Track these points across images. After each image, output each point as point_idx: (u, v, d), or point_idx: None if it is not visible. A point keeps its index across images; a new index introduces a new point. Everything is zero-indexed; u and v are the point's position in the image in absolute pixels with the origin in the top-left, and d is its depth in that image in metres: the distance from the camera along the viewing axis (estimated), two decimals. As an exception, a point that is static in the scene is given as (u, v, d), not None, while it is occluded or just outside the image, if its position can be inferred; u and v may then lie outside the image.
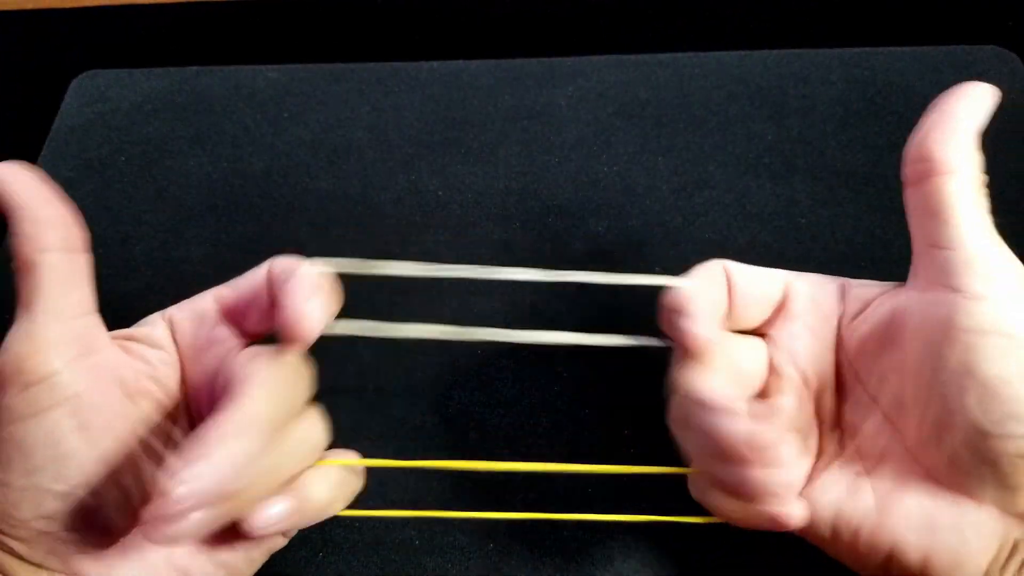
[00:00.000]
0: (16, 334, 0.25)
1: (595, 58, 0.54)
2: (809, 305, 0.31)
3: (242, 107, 0.52)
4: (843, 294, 0.31)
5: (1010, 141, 0.48)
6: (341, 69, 0.54)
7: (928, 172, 0.28)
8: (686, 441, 0.29)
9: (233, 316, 0.30)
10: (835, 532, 0.28)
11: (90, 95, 0.53)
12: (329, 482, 0.29)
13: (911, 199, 0.28)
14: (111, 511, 0.26)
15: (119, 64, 0.55)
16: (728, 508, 0.28)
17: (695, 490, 0.30)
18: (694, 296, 0.28)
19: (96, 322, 0.28)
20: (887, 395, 0.28)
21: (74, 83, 0.54)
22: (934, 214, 0.27)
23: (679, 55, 0.54)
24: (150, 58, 0.56)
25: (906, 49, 0.53)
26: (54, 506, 0.25)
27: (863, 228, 0.45)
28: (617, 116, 0.51)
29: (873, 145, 0.48)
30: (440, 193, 0.48)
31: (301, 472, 0.28)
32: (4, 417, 0.25)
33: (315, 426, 0.29)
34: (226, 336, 0.29)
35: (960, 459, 0.25)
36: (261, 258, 0.44)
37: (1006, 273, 0.25)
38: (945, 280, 0.26)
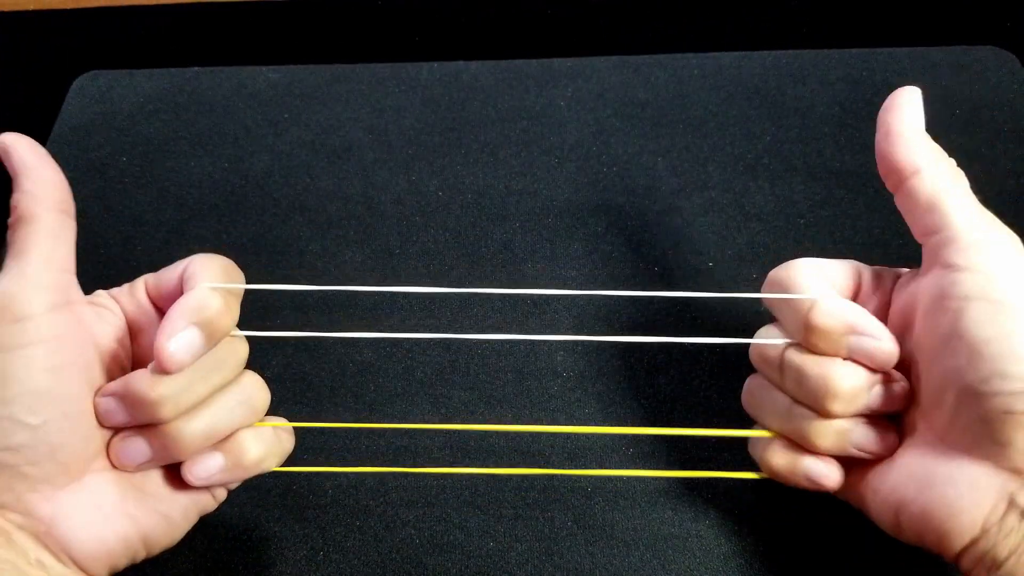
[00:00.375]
0: (7, 275, 0.28)
1: (594, 59, 0.54)
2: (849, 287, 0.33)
3: (243, 108, 0.52)
4: (859, 276, 0.33)
5: (1009, 140, 0.48)
6: (342, 70, 0.54)
7: (900, 179, 0.31)
8: (765, 388, 0.33)
9: (159, 304, 0.32)
10: (863, 495, 0.31)
11: (91, 96, 0.53)
12: (262, 441, 0.31)
13: (899, 205, 0.31)
14: (71, 452, 0.28)
15: (120, 65, 0.55)
16: (781, 463, 0.31)
17: (755, 449, 0.33)
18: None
19: (75, 282, 0.30)
20: (912, 375, 0.31)
21: (75, 84, 0.54)
22: (917, 209, 0.30)
23: (678, 56, 0.54)
24: (151, 59, 0.56)
25: (904, 49, 0.53)
26: (21, 438, 0.26)
27: (861, 228, 0.45)
28: (616, 117, 0.51)
29: (871, 145, 0.48)
30: (440, 193, 0.48)
31: (241, 426, 0.31)
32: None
33: (256, 384, 0.31)
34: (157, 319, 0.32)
35: (956, 418, 0.27)
36: (262, 258, 0.45)
37: (990, 244, 0.28)
38: (938, 260, 0.29)
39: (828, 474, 0.31)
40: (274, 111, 0.52)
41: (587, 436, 0.39)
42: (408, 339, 0.40)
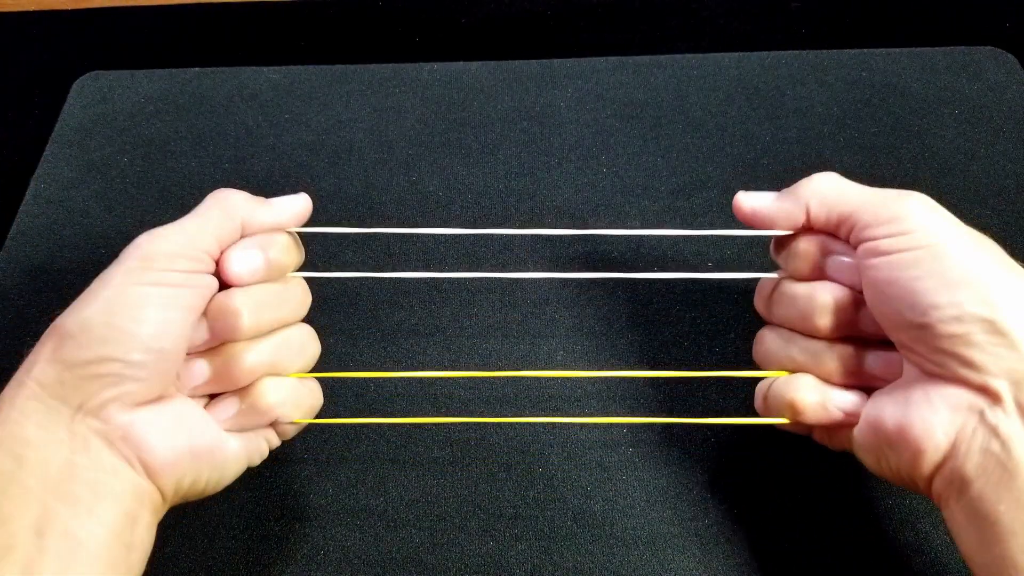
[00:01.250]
0: (183, 230, 0.32)
1: (594, 60, 0.54)
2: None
3: (244, 108, 0.52)
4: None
5: (1009, 140, 0.49)
6: (342, 70, 0.54)
7: (799, 226, 0.33)
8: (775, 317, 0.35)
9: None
10: (856, 434, 0.32)
11: (92, 96, 0.53)
12: (280, 388, 0.33)
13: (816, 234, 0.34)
14: (166, 378, 0.31)
15: (121, 65, 0.55)
16: (813, 399, 0.32)
17: (762, 396, 0.34)
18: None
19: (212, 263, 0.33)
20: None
21: (76, 84, 0.54)
22: (830, 228, 0.33)
23: (677, 57, 0.54)
24: (152, 59, 0.57)
25: (903, 50, 0.53)
26: (139, 357, 0.29)
27: (860, 228, 0.45)
28: (616, 117, 0.51)
29: (870, 146, 0.49)
30: (440, 193, 0.48)
31: (290, 369, 0.34)
32: (134, 277, 0.30)
33: (310, 335, 0.35)
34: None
35: (918, 351, 0.30)
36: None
37: (889, 210, 0.30)
38: (860, 239, 0.31)
39: (853, 403, 0.32)
40: (275, 111, 0.52)
41: (587, 433, 0.39)
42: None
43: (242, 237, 0.33)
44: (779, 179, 0.47)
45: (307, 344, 0.34)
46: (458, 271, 0.45)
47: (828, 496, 0.37)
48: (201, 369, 0.32)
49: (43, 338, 0.30)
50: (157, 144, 0.51)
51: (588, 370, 0.41)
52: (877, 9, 0.57)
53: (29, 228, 0.47)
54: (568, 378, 0.41)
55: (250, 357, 0.32)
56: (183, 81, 0.54)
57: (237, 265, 0.32)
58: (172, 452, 0.30)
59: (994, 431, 0.27)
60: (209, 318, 0.32)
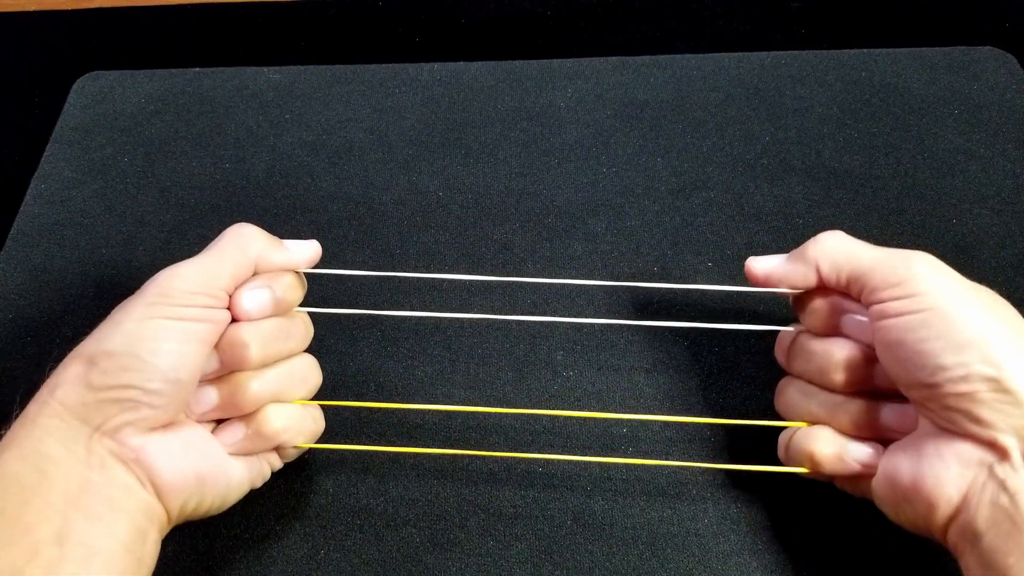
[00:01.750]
0: (200, 264, 0.33)
1: (594, 60, 0.54)
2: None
3: (244, 108, 0.52)
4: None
5: (1008, 140, 0.49)
6: (342, 71, 0.54)
7: (812, 286, 0.35)
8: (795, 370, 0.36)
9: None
10: (874, 484, 0.33)
11: (93, 96, 0.54)
12: (285, 415, 0.35)
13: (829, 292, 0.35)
14: (179, 406, 0.33)
15: (122, 66, 0.55)
16: (830, 451, 0.34)
17: (784, 445, 0.36)
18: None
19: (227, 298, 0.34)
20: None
21: (77, 84, 0.54)
22: (840, 287, 0.34)
23: (677, 57, 0.54)
24: (152, 60, 0.57)
25: (903, 50, 0.53)
26: (157, 385, 0.31)
27: (859, 228, 0.45)
28: (616, 117, 0.51)
29: (870, 146, 0.49)
30: (440, 193, 0.48)
31: (294, 397, 0.36)
32: (154, 311, 0.32)
33: (312, 365, 0.37)
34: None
35: (930, 408, 0.31)
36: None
37: (897, 271, 0.31)
38: (870, 300, 0.32)
39: (870, 455, 0.33)
40: (275, 112, 0.52)
41: (587, 433, 0.39)
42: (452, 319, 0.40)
43: (254, 274, 0.35)
44: (779, 179, 0.48)
45: (309, 373, 0.36)
46: (458, 271, 0.45)
47: (828, 496, 0.37)
48: (210, 396, 0.34)
49: (66, 361, 0.31)
50: (157, 144, 0.51)
51: (586, 373, 0.41)
52: (877, 9, 0.58)
53: (29, 228, 0.47)
54: (570, 375, 0.41)
55: (256, 386, 0.34)
56: (183, 81, 0.54)
57: (247, 303, 0.34)
58: (179, 475, 0.32)
59: (1003, 485, 0.28)
60: (220, 349, 0.34)
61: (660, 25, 0.58)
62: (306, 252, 0.36)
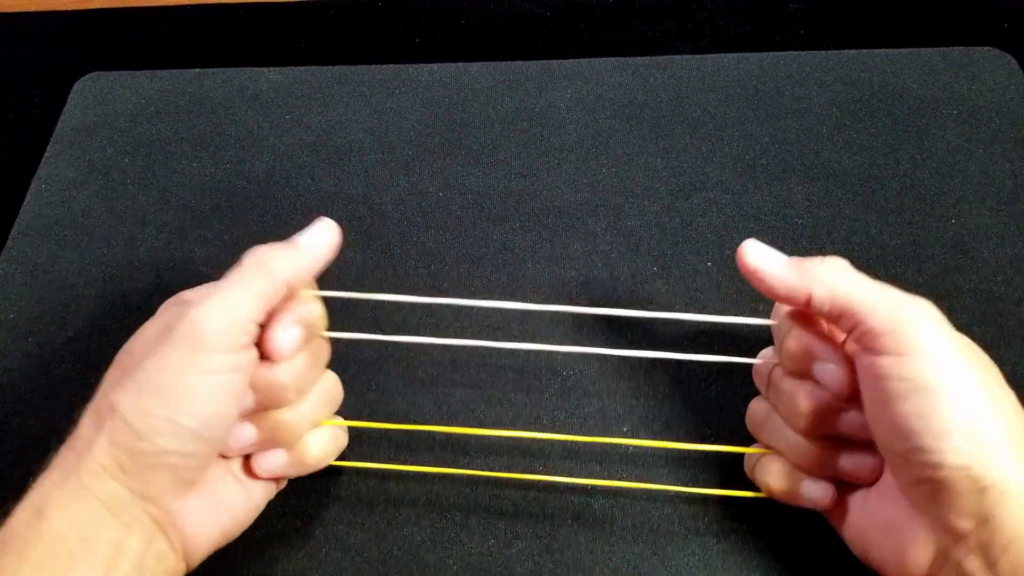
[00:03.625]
0: (218, 303, 0.31)
1: (594, 61, 0.54)
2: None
3: (244, 109, 0.52)
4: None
5: (1007, 140, 0.49)
6: (343, 71, 0.54)
7: (800, 305, 0.33)
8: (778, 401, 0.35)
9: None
10: (840, 526, 0.34)
11: (93, 97, 0.54)
12: (322, 440, 0.35)
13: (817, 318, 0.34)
14: (211, 461, 0.33)
15: (122, 66, 0.56)
16: (779, 484, 0.34)
17: (749, 466, 0.36)
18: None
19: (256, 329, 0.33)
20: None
21: (77, 85, 0.54)
22: (832, 318, 0.32)
23: (676, 58, 0.54)
24: (153, 61, 0.57)
25: (902, 51, 0.54)
26: (193, 447, 0.31)
27: (859, 229, 0.45)
28: (615, 118, 0.51)
29: (869, 146, 0.49)
30: (441, 194, 0.48)
31: (325, 416, 0.36)
32: (188, 363, 0.30)
33: (336, 382, 0.37)
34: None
35: (900, 475, 0.31)
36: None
37: (900, 326, 0.30)
38: (864, 345, 0.31)
39: (823, 495, 0.34)
40: (275, 112, 0.52)
41: (587, 431, 0.39)
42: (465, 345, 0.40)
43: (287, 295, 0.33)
44: (778, 179, 0.48)
45: (336, 392, 0.37)
46: (458, 272, 0.45)
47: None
48: (248, 433, 0.34)
49: (99, 410, 0.31)
50: (158, 145, 0.51)
51: (587, 373, 0.41)
52: (876, 10, 0.58)
53: (29, 228, 0.47)
54: (570, 375, 0.41)
55: (295, 420, 0.34)
56: (184, 82, 0.54)
57: (284, 345, 0.33)
58: (208, 536, 0.33)
59: (958, 569, 0.29)
60: (258, 391, 0.33)
61: (660, 26, 0.58)
62: (325, 240, 0.34)
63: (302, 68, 0.55)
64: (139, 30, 0.60)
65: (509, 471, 0.38)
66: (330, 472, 0.38)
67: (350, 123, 0.51)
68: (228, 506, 0.34)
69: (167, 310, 0.33)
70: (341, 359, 0.41)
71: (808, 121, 0.50)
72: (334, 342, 0.36)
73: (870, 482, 0.33)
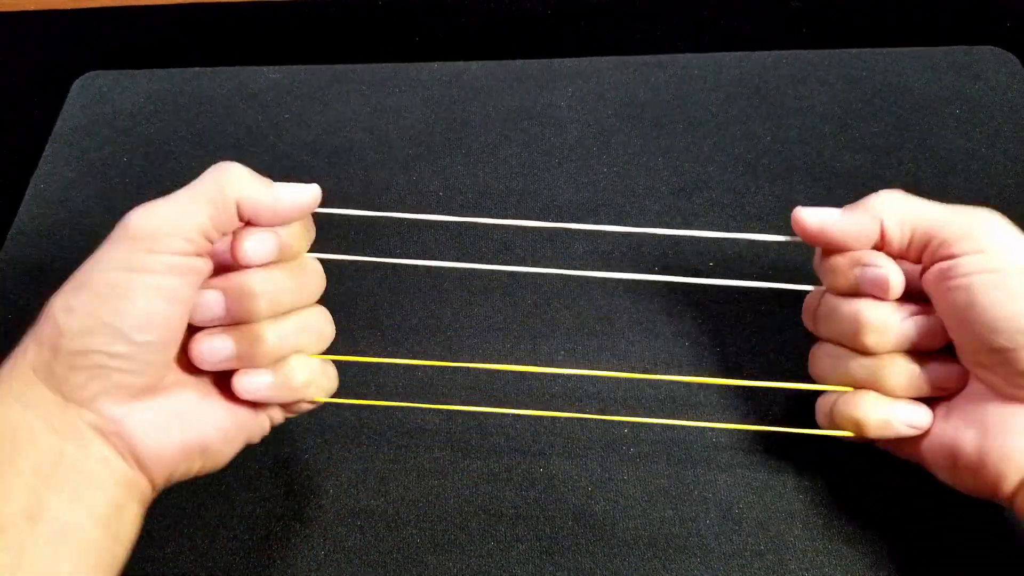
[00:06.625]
0: (172, 205, 0.30)
1: (595, 59, 0.54)
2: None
3: (243, 108, 0.52)
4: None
5: (1009, 140, 0.49)
6: (342, 70, 0.54)
7: (871, 244, 0.32)
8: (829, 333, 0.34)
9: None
10: (919, 445, 0.33)
11: (92, 96, 0.53)
12: (309, 368, 0.33)
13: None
14: (156, 371, 0.31)
15: (121, 65, 0.55)
16: (880, 415, 0.32)
17: (824, 412, 0.34)
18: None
19: (208, 246, 0.32)
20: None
21: (76, 84, 0.54)
22: (911, 248, 0.32)
23: (678, 56, 0.54)
24: (152, 59, 0.56)
25: (904, 49, 0.53)
26: (122, 348, 0.29)
27: (861, 228, 0.45)
28: (616, 117, 0.51)
29: (871, 146, 0.49)
30: (440, 193, 0.48)
31: (307, 349, 0.34)
32: (121, 262, 0.29)
33: (325, 318, 0.35)
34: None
35: (997, 373, 0.30)
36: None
37: (971, 226, 0.30)
38: (937, 256, 0.31)
39: (923, 414, 0.32)
40: (275, 111, 0.52)
41: (587, 433, 0.39)
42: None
43: (242, 220, 0.32)
44: (781, 179, 0.47)
45: (325, 327, 0.35)
46: (458, 271, 0.45)
47: (830, 495, 0.37)
48: (225, 345, 0.32)
49: (39, 317, 0.30)
50: (157, 144, 0.51)
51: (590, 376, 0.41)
52: (877, 9, 0.57)
53: (29, 228, 0.47)
54: (571, 376, 0.41)
55: (275, 337, 0.32)
56: (183, 81, 0.54)
57: (251, 248, 0.31)
58: (165, 446, 0.30)
59: None
60: (227, 297, 0.32)
61: (660, 25, 0.57)
62: (298, 200, 0.33)
63: (301, 67, 0.55)
64: (138, 29, 0.59)
65: (509, 465, 0.38)
66: (330, 474, 0.38)
67: (349, 122, 0.51)
68: (191, 422, 0.31)
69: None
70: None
71: (810, 120, 0.50)
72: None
73: (956, 391, 0.32)
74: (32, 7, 0.61)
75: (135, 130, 0.51)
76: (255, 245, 0.32)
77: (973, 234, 0.30)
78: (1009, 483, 0.29)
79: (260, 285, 0.32)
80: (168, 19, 0.60)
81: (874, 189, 0.46)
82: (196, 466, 0.32)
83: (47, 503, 0.27)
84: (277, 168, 0.49)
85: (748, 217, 0.46)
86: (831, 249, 0.33)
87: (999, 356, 0.29)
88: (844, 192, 0.46)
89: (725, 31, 0.57)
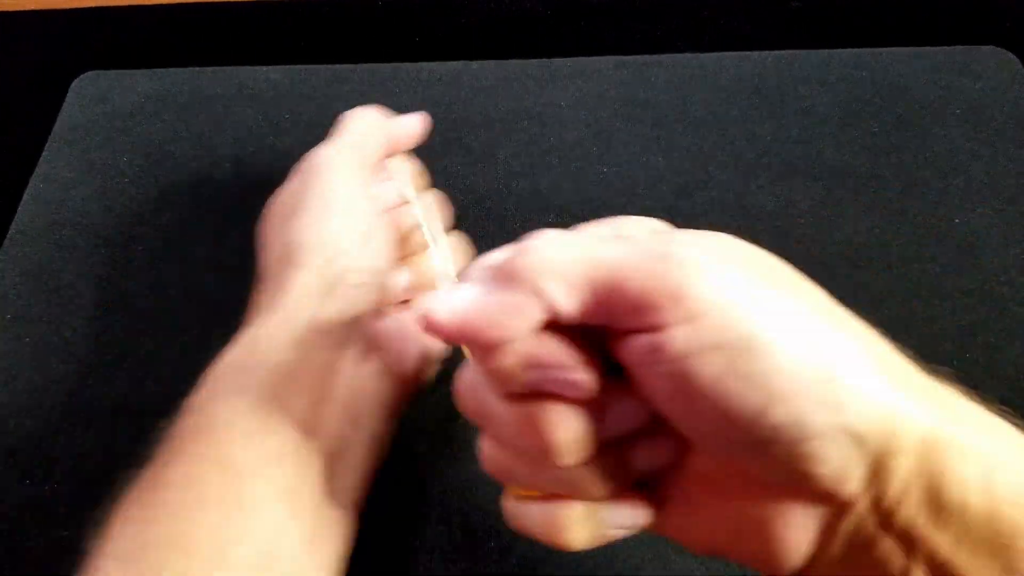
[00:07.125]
0: (363, 155, 0.38)
1: (595, 59, 0.54)
2: None
3: (243, 108, 0.52)
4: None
5: (1009, 140, 0.48)
6: (342, 70, 0.54)
7: (533, 325, 0.23)
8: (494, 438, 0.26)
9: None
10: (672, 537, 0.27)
11: (91, 96, 0.53)
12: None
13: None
14: (382, 291, 0.35)
15: (120, 65, 0.55)
16: (578, 534, 0.26)
17: (514, 516, 0.27)
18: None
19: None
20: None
21: (75, 84, 0.54)
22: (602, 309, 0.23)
23: (678, 56, 0.54)
24: (151, 59, 0.56)
25: (905, 49, 0.53)
26: (365, 262, 0.34)
27: (862, 228, 0.45)
28: (617, 117, 0.51)
29: (872, 146, 0.49)
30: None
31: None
32: (340, 188, 0.36)
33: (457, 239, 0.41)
34: None
35: (739, 467, 0.23)
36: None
37: (674, 278, 0.21)
38: (636, 324, 0.22)
39: (643, 513, 0.26)
40: (274, 111, 0.52)
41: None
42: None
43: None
44: (781, 178, 0.47)
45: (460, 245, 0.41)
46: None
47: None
48: (404, 278, 0.37)
49: (279, 259, 0.34)
50: (156, 144, 0.51)
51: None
52: (878, 9, 0.57)
53: (28, 228, 0.47)
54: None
55: (435, 262, 0.38)
56: (182, 81, 0.54)
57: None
58: (414, 359, 0.34)
59: (851, 538, 0.22)
60: (401, 238, 0.37)
61: (660, 25, 0.57)
62: (414, 124, 0.41)
63: (301, 67, 0.54)
64: (138, 29, 0.59)
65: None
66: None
67: (350, 122, 0.51)
68: (409, 334, 0.35)
69: (294, 177, 0.38)
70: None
71: (810, 120, 0.50)
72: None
73: (669, 464, 0.25)
74: (31, 7, 0.61)
75: (134, 130, 0.51)
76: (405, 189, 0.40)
77: (672, 292, 0.21)
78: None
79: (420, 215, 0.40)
80: (168, 19, 0.60)
81: (874, 189, 0.46)
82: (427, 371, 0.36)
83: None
84: (277, 168, 0.49)
85: (749, 217, 0.46)
86: (484, 346, 0.23)
87: (746, 448, 0.22)
88: (844, 192, 0.46)
89: (725, 31, 0.57)
